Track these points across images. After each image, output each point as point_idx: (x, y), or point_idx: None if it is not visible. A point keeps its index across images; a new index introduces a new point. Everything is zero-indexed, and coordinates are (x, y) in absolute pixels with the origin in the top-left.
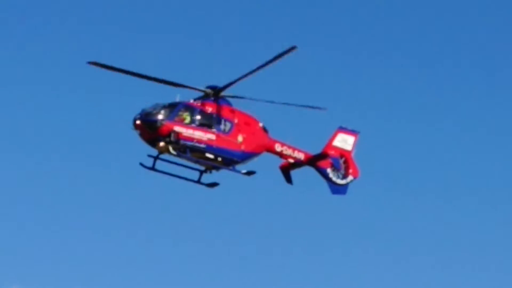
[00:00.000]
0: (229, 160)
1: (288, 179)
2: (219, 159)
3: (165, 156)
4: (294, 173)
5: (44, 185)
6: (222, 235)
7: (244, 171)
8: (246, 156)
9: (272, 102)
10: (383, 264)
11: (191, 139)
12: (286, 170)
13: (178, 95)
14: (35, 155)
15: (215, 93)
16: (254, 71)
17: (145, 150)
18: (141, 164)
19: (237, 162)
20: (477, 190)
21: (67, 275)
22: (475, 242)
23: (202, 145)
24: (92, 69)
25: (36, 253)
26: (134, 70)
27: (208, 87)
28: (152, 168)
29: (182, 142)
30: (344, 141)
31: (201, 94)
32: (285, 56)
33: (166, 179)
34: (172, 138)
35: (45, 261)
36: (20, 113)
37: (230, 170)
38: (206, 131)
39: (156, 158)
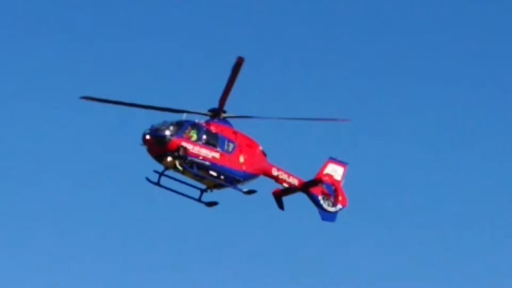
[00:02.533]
0: (231, 178)
1: (280, 205)
2: (222, 177)
3: (169, 172)
4: (285, 199)
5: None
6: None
7: (245, 189)
8: (247, 176)
9: (287, 118)
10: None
11: (197, 155)
12: (278, 196)
13: (184, 115)
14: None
15: (217, 115)
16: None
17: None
18: (147, 179)
19: (238, 181)
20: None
21: None
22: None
23: (207, 163)
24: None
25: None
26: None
27: (210, 110)
28: (157, 184)
29: (189, 158)
30: (334, 171)
31: (206, 115)
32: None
33: (168, 195)
34: (181, 153)
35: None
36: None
37: (232, 187)
38: (211, 150)
39: (161, 174)
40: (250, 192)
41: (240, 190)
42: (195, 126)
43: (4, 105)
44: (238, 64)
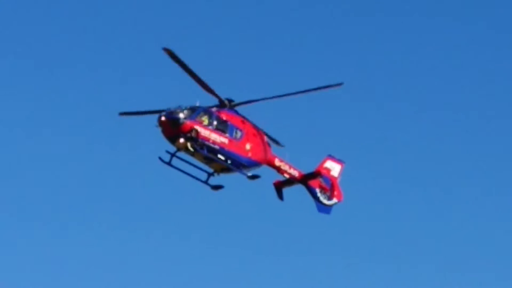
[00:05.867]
0: (237, 163)
1: (280, 196)
2: (229, 161)
3: (180, 154)
4: (285, 190)
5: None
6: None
7: (249, 174)
8: (252, 163)
9: (285, 95)
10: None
11: (207, 139)
12: (279, 187)
13: (198, 102)
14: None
15: (230, 105)
16: (277, 96)
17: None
18: (160, 159)
19: (244, 167)
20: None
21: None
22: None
23: (216, 147)
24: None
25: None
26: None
27: (226, 98)
28: (169, 164)
29: (200, 140)
30: (332, 168)
31: (217, 103)
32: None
33: (178, 175)
34: (193, 135)
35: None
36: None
37: (238, 171)
38: (220, 135)
39: (173, 155)
40: (254, 177)
41: (245, 174)
42: (207, 112)
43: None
44: (171, 55)
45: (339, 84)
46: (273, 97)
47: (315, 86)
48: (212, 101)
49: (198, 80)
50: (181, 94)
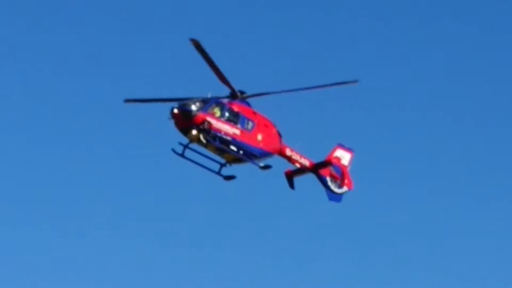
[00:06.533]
0: (249, 154)
1: (291, 185)
2: (241, 152)
3: (193, 146)
4: (296, 180)
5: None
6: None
7: (261, 164)
8: (263, 153)
9: (298, 89)
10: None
11: (219, 130)
12: (290, 176)
13: (209, 93)
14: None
15: (241, 96)
16: (290, 90)
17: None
18: (173, 150)
19: (255, 157)
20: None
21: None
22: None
23: (228, 138)
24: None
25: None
26: None
27: (238, 90)
28: (182, 155)
29: (212, 132)
30: (342, 157)
31: (228, 94)
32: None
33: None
34: (205, 127)
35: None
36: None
37: (250, 162)
38: (232, 126)
39: (185, 146)
40: (266, 167)
41: (257, 164)
42: (219, 103)
43: None
44: (197, 47)
45: (355, 81)
46: (286, 90)
47: (330, 82)
48: (223, 91)
49: (216, 71)
50: (187, 84)
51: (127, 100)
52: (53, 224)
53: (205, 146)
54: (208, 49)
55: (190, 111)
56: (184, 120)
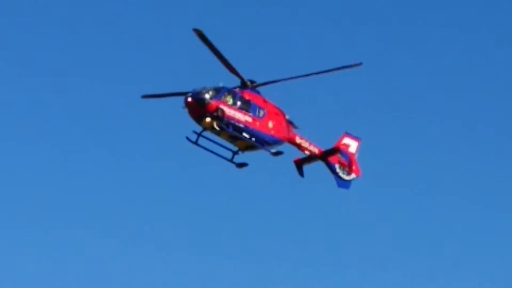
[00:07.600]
0: (261, 141)
1: (301, 173)
2: (253, 139)
3: (206, 134)
4: (306, 168)
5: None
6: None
7: (273, 150)
8: (274, 141)
9: (304, 75)
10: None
11: (232, 118)
12: (299, 165)
13: (221, 82)
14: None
15: (252, 85)
16: (297, 77)
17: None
18: (187, 138)
19: (267, 144)
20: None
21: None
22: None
23: (241, 125)
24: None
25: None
26: None
27: (248, 79)
28: (195, 143)
29: (225, 119)
30: (350, 145)
31: (238, 84)
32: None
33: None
34: (219, 114)
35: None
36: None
37: (262, 148)
38: (244, 114)
39: (199, 134)
40: (278, 153)
41: (269, 151)
42: (231, 92)
43: None
44: (201, 37)
45: (358, 65)
46: (293, 77)
47: (334, 67)
48: (233, 81)
49: (223, 61)
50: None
51: (145, 96)
52: (61, 223)
53: (218, 133)
54: (214, 40)
55: (203, 100)
56: (198, 108)
